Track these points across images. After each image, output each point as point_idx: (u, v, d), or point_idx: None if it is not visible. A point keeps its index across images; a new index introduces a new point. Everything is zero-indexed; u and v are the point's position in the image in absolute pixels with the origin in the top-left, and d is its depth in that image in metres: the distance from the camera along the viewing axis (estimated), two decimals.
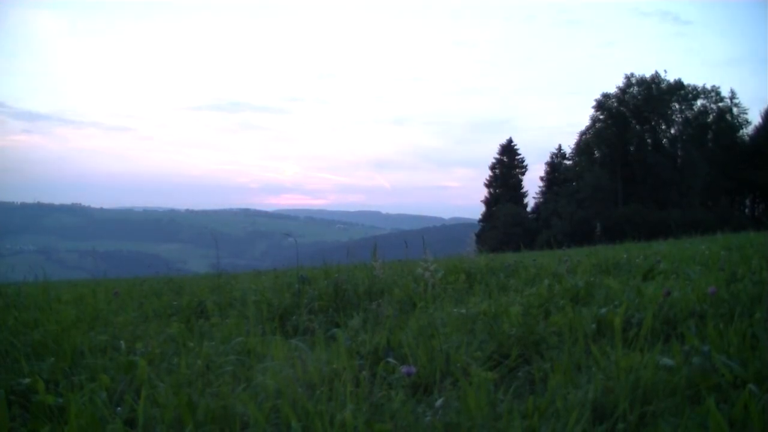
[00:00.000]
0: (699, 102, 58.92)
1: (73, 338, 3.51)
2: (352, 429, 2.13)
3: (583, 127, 58.94)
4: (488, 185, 59.07)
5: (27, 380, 2.75)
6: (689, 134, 57.13)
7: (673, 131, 58.85)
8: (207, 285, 6.71)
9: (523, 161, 59.57)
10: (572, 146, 59.60)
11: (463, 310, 3.86)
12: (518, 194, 58.32)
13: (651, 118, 57.04)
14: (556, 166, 59.71)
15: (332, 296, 4.82)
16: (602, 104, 57.36)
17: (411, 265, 6.30)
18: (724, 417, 1.98)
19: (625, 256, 7.49)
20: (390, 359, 2.92)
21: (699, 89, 58.69)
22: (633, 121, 56.75)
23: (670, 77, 58.65)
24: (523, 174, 59.40)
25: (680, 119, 58.48)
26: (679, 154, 56.86)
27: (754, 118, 60.36)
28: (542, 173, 59.92)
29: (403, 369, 2.60)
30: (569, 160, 60.05)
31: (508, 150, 59.38)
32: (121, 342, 3.53)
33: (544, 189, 58.81)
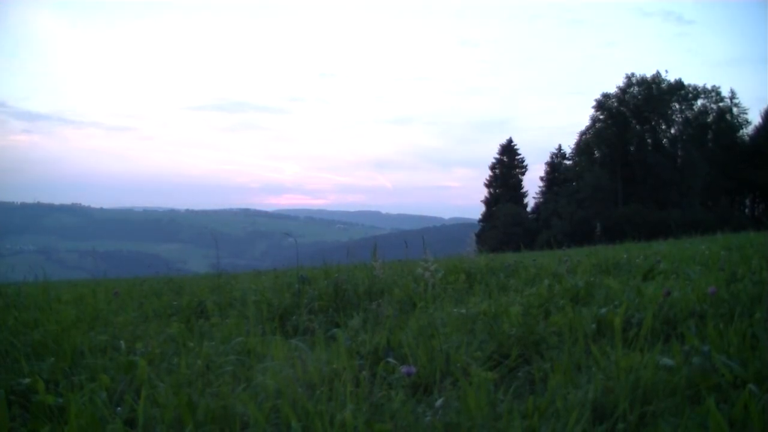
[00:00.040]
0: (699, 102, 58.99)
1: (73, 338, 3.51)
2: (352, 429, 2.13)
3: (583, 127, 59.07)
4: (488, 185, 59.12)
5: (27, 380, 2.75)
6: (689, 134, 57.14)
7: (673, 131, 58.88)
8: (207, 285, 6.71)
9: (523, 161, 59.65)
10: (572, 146, 59.74)
11: (463, 310, 3.86)
12: (518, 194, 58.35)
13: (651, 118, 57.05)
14: (556, 166, 59.73)
15: (332, 296, 4.82)
16: (602, 104, 57.39)
17: (411, 265, 6.30)
18: (724, 417, 1.98)
19: (625, 256, 7.49)
20: (390, 359, 2.92)
21: (699, 89, 58.74)
22: (633, 121, 56.77)
23: (671, 77, 58.79)
24: (523, 174, 59.48)
25: (680, 119, 58.50)
26: (679, 154, 56.88)
27: (754, 118, 60.50)
28: (542, 173, 60.06)
29: (403, 369, 2.60)
30: (569, 160, 60.11)
31: (508, 150, 59.40)
32: (121, 342, 3.53)
33: (544, 189, 58.84)
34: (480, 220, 58.54)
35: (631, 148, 56.38)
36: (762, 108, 64.34)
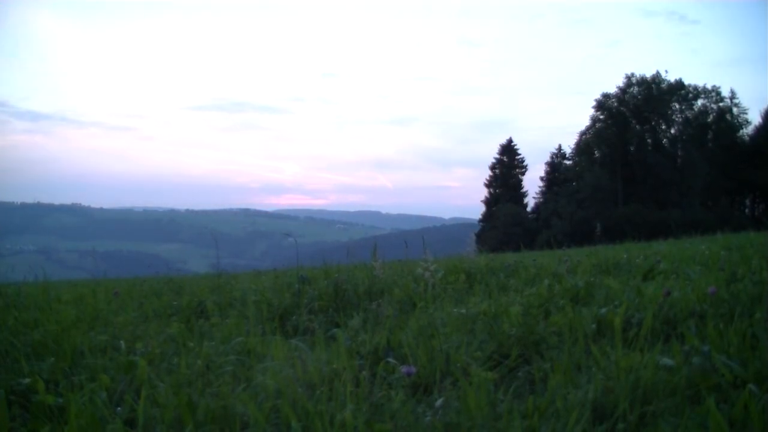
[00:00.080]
0: (699, 102, 58.98)
1: (73, 338, 3.51)
2: (352, 429, 2.13)
3: (583, 127, 59.07)
4: (488, 185, 59.11)
5: (27, 380, 2.75)
6: (689, 134, 57.13)
7: (673, 131, 58.87)
8: (207, 285, 6.71)
9: (523, 161, 59.64)
10: (572, 146, 59.72)
11: (463, 310, 3.86)
12: (518, 194, 58.34)
13: (651, 118, 57.05)
14: (556, 166, 59.72)
15: (332, 296, 4.82)
16: (602, 104, 57.38)
17: (411, 265, 6.30)
18: (724, 417, 1.98)
19: (625, 256, 7.50)
20: (390, 359, 2.92)
21: (699, 89, 58.73)
22: (633, 121, 56.76)
23: (673, 77, 58.88)
24: (523, 174, 59.46)
25: (680, 119, 58.50)
26: (679, 154, 56.87)
27: (754, 118, 60.47)
28: (542, 173, 60.05)
29: (403, 369, 2.60)
30: (569, 160, 60.10)
31: (508, 150, 59.40)
32: (121, 342, 3.53)
33: (544, 189, 58.83)
34: (480, 220, 58.53)
35: (631, 148, 56.37)
36: (762, 108, 64.31)
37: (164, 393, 2.48)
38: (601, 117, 57.17)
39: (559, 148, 60.49)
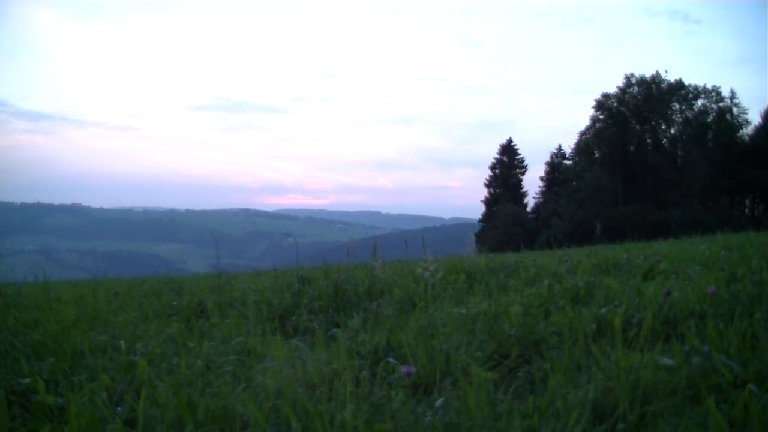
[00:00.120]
0: (699, 102, 58.98)
1: (73, 338, 3.51)
2: (352, 429, 2.13)
3: (583, 127, 59.08)
4: (488, 185, 59.13)
5: (27, 380, 2.75)
6: (689, 134, 57.14)
7: (673, 131, 58.88)
8: (207, 285, 6.71)
9: (523, 161, 59.66)
10: (572, 146, 59.73)
11: (463, 310, 3.86)
12: (518, 194, 58.35)
13: (651, 118, 57.05)
14: (556, 166, 59.74)
15: (332, 296, 4.82)
16: (602, 104, 57.40)
17: (411, 265, 6.30)
18: (724, 417, 1.98)
19: (625, 256, 7.49)
20: (390, 359, 2.92)
21: (699, 89, 58.74)
22: (633, 121, 56.77)
23: (675, 77, 58.83)
24: (523, 174, 59.49)
25: (680, 119, 58.50)
26: (679, 154, 56.88)
27: (754, 118, 60.48)
28: (542, 173, 60.06)
29: (403, 369, 2.60)
30: (569, 160, 60.12)
31: (508, 150, 59.42)
32: (121, 342, 3.53)
33: (544, 189, 58.85)
34: (480, 220, 58.54)
35: (631, 148, 56.38)
36: (762, 108, 64.28)
37: (164, 393, 2.48)
38: (601, 117, 57.18)
39: (559, 148, 60.61)
